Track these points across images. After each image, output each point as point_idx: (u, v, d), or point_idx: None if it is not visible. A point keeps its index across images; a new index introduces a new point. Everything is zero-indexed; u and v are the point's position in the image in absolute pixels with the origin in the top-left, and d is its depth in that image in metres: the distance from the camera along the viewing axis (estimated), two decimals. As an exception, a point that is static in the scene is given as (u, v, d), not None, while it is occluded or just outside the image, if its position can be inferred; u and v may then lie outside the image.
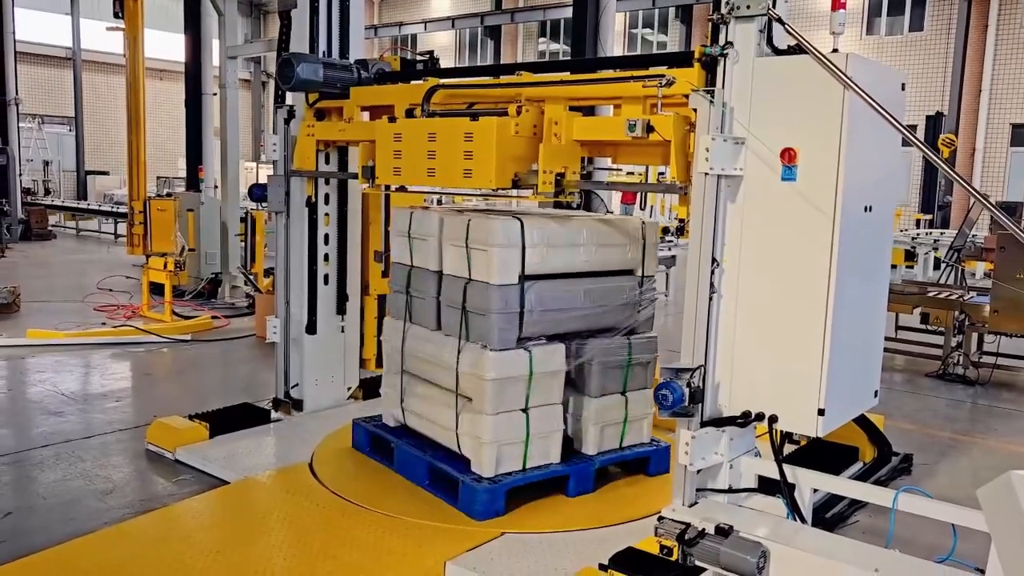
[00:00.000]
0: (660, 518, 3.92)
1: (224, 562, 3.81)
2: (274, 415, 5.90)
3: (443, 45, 32.49)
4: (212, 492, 4.66)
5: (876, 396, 4.38)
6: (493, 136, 4.35)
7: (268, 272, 10.28)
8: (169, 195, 11.73)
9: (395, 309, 5.20)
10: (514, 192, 4.72)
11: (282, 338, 5.94)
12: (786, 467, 4.01)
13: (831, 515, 4.71)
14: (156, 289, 10.05)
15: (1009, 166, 22.50)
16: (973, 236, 12.54)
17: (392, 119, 4.82)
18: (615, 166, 5.23)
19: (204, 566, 3.78)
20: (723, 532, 3.69)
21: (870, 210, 3.96)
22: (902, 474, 5.47)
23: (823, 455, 5.26)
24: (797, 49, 3.87)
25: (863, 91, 3.54)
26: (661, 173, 17.52)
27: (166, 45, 28.69)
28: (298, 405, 5.98)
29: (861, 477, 5.24)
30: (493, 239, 4.44)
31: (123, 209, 19.93)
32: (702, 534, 3.72)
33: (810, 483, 4.07)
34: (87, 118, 32.35)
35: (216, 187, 13.36)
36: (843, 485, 4.15)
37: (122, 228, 19.87)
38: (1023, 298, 7.62)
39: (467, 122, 4.45)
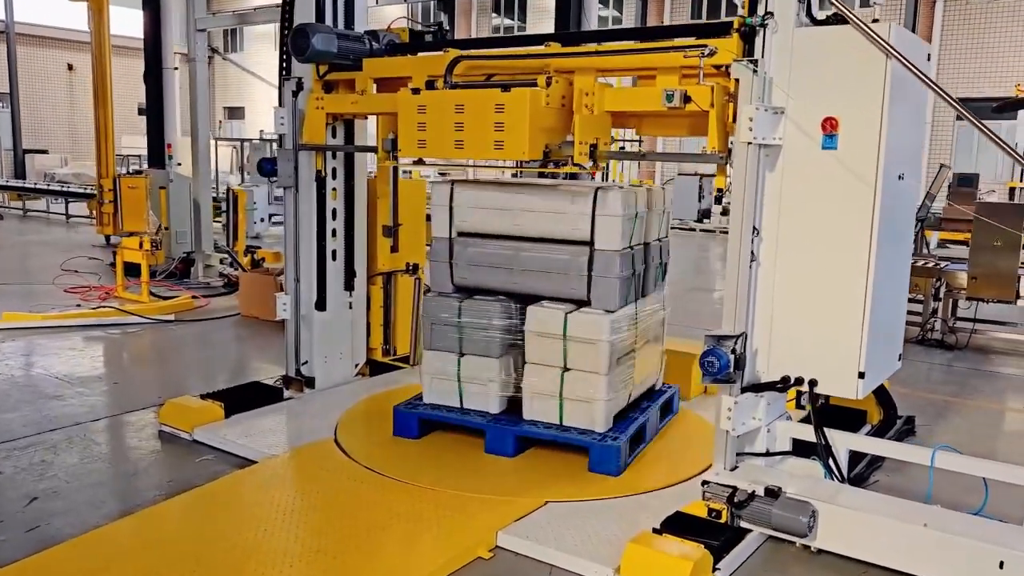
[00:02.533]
0: (704, 482, 4.01)
1: (275, 538, 3.77)
2: (286, 393, 5.83)
3: (393, 17, 31.98)
4: (243, 471, 4.60)
5: (900, 359, 4.54)
6: (526, 107, 4.34)
7: (248, 250, 10.09)
8: (138, 172, 11.39)
9: (624, 297, 4.83)
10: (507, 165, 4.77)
11: (292, 315, 5.85)
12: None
13: (852, 476, 4.85)
14: (128, 269, 9.78)
15: (955, 139, 23.19)
16: (930, 207, 12.92)
17: (416, 91, 4.76)
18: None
19: (255, 543, 3.73)
20: (773, 494, 3.79)
21: (903, 178, 4.07)
22: (907, 435, 5.66)
23: (834, 418, 5.40)
24: (835, 19, 3.95)
25: (908, 62, 3.62)
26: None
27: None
28: (309, 383, 5.91)
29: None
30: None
31: (73, 188, 19.36)
32: (752, 496, 3.82)
33: (846, 444, 4.20)
34: (22, 94, 31.10)
35: (179, 164, 13.02)
36: (879, 445, 4.29)
37: (74, 208, 19.30)
38: (999, 264, 7.93)
39: (498, 93, 4.43)
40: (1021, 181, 20.14)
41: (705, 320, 9.54)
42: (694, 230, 19.61)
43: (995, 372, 7.53)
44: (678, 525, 3.82)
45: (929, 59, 4.31)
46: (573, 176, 8.39)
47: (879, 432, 5.59)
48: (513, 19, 30.51)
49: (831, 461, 4.12)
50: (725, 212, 17.32)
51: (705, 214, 19.54)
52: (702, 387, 6.24)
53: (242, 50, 36.03)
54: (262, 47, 35.24)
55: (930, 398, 6.63)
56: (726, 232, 15.63)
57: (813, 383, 4.03)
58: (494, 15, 31.12)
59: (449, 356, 5.06)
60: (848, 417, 5.63)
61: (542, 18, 29.25)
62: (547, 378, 4.83)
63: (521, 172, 11.12)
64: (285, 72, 5.68)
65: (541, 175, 8.53)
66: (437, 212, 5.19)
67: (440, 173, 24.22)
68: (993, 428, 6.14)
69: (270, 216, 17.28)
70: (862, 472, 4.99)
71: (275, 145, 19.45)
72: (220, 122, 31.08)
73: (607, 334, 4.68)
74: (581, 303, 4.89)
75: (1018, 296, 8.01)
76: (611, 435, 4.73)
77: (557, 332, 4.77)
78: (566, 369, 4.80)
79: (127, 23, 20.29)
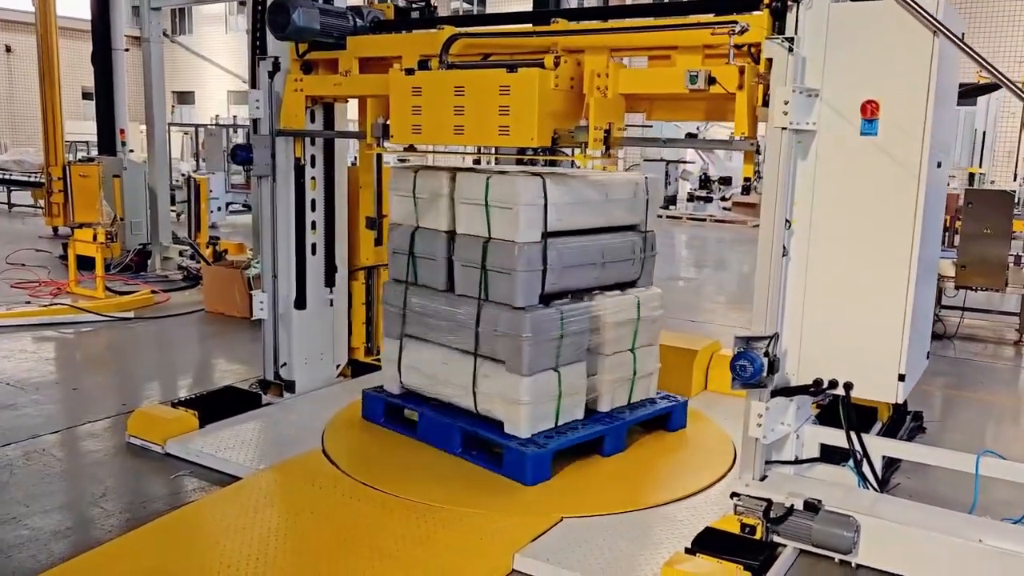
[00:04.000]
0: (735, 494, 3.73)
1: (269, 570, 3.38)
2: (264, 398, 5.41)
3: (352, 1, 31.19)
4: (225, 490, 4.18)
5: (928, 357, 4.30)
6: (535, 89, 3.98)
7: (210, 242, 9.57)
8: (90, 160, 10.74)
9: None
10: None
11: (270, 314, 5.43)
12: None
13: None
14: (79, 263, 9.19)
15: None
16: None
17: (410, 71, 4.37)
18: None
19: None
20: (812, 508, 3.52)
21: (940, 166, 3.82)
22: (918, 432, 5.45)
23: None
24: (873, -6, 3.66)
25: (961, 40, 3.35)
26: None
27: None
28: (289, 386, 5.50)
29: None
30: None
31: (17, 176, 18.45)
32: (790, 511, 3.54)
33: (881, 450, 3.95)
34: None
35: (131, 151, 12.39)
36: (916, 451, 4.05)
37: (17, 197, 18.39)
38: (988, 252, 7.81)
39: (503, 74, 4.07)
40: (980, 167, 20.35)
41: (678, 311, 9.31)
42: (660, 216, 19.44)
43: (989, 363, 7.41)
44: (711, 543, 3.53)
45: (963, 37, 4.04)
46: (552, 163, 8.06)
47: (890, 430, 5.37)
48: (472, 3, 29.96)
49: (866, 468, 3.87)
50: (691, 199, 17.20)
51: (671, 200, 19.60)
52: (703, 384, 5.98)
53: (191, 33, 34.86)
54: (212, 30, 34.14)
55: (931, 391, 6.45)
56: (693, 219, 15.56)
57: (848, 386, 3.76)
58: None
59: (551, 375, 4.46)
60: (859, 415, 5.41)
61: (500, 2, 28.78)
62: (626, 363, 4.90)
63: (498, 159, 10.73)
64: (260, 51, 5.23)
65: (519, 162, 8.16)
66: (526, 212, 4.33)
67: (400, 160, 23.67)
68: (1005, 424, 5.98)
69: (227, 205, 16.69)
70: (882, 474, 4.78)
71: (231, 131, 18.86)
72: (173, 107, 29.99)
73: (659, 307, 5.08)
74: (623, 286, 4.99)
75: (1007, 284, 7.91)
76: (664, 395, 5.21)
77: (632, 315, 4.86)
78: (633, 350, 4.93)
79: (70, 3, 19.36)
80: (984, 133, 19.98)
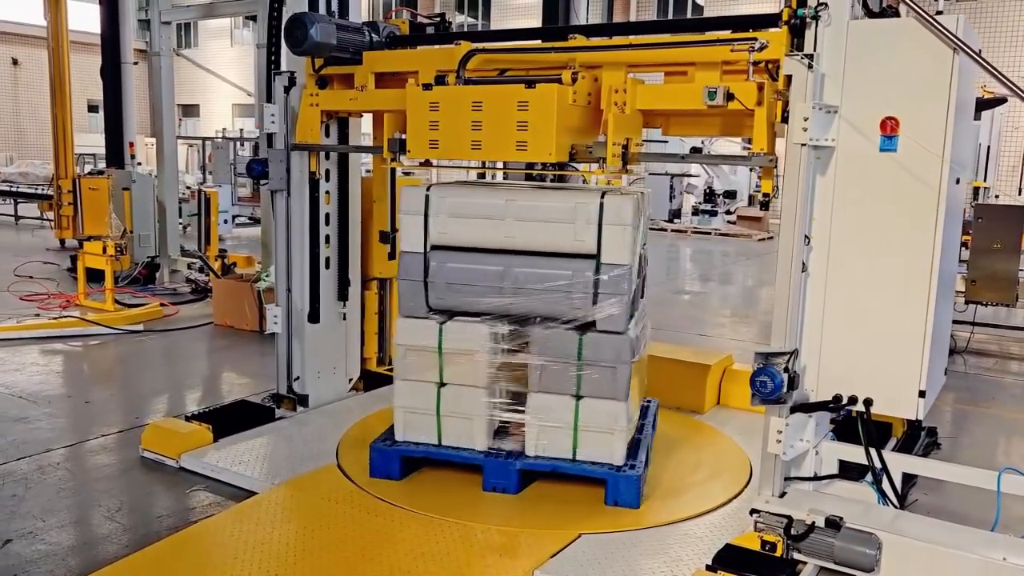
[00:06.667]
0: (755, 511, 3.71)
1: (288, 586, 3.38)
2: (277, 412, 5.40)
3: (368, 16, 31.31)
4: (241, 505, 4.17)
5: (946, 373, 4.29)
6: (553, 105, 3.99)
7: (219, 255, 9.58)
8: (100, 172, 10.77)
9: None
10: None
11: (284, 328, 5.43)
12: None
13: (890, 495, 4.59)
14: (87, 275, 9.19)
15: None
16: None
17: (427, 86, 4.38)
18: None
19: (265, 592, 3.33)
20: (834, 525, 3.50)
21: (959, 182, 3.83)
22: (933, 448, 5.43)
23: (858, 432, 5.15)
24: (890, 11, 3.68)
25: (981, 58, 3.36)
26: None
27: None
28: (302, 400, 5.49)
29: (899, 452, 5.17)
30: None
31: (24, 188, 18.51)
32: (812, 528, 3.52)
33: (900, 467, 3.94)
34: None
35: (140, 164, 12.42)
36: (936, 468, 4.02)
37: (24, 209, 18.43)
38: (998, 267, 7.80)
39: (522, 89, 4.07)
40: (984, 181, 20.35)
41: (681, 322, 9.31)
42: (665, 230, 19.45)
43: (1001, 378, 7.39)
44: (732, 560, 3.51)
45: (980, 53, 4.06)
46: (560, 179, 8.09)
47: (905, 446, 5.36)
48: (477, 18, 30.10)
49: (886, 485, 3.86)
50: (696, 212, 17.20)
51: (676, 214, 19.63)
52: (716, 399, 5.97)
53: (196, 46, 35.05)
54: (217, 43, 34.32)
55: (944, 407, 6.43)
56: (698, 232, 15.58)
57: (869, 402, 3.75)
58: (458, 14, 30.65)
59: None
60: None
61: (505, 16, 28.92)
62: None
63: (507, 174, 10.76)
64: (275, 66, 5.25)
65: (528, 177, 8.18)
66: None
67: (405, 172, 23.73)
68: (1018, 438, 5.96)
69: (233, 218, 16.70)
70: (900, 491, 4.75)
71: (238, 144, 18.91)
72: (180, 121, 30.14)
73: None
74: None
75: (1017, 299, 7.89)
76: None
77: None
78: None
79: (77, 17, 19.45)
80: (988, 147, 19.99)
